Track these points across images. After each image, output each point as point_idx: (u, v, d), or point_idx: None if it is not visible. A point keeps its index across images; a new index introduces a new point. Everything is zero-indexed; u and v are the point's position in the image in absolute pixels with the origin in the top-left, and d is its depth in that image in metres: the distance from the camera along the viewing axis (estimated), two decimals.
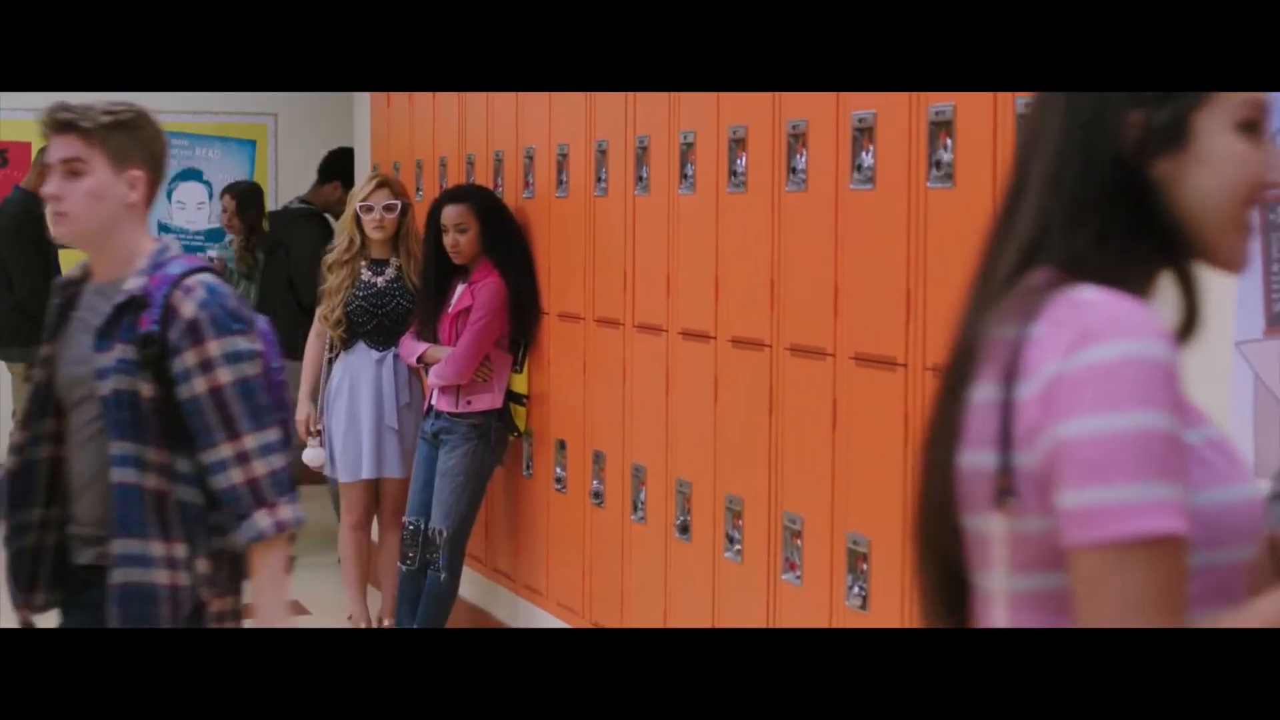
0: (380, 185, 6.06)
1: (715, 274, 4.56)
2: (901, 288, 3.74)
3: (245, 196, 8.66)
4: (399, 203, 6.07)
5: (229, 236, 8.78)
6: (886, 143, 3.83)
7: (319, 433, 6.14)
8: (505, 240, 5.74)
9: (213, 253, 9.30)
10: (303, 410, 6.17)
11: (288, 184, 10.02)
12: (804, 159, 4.13)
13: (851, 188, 3.94)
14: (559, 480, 5.63)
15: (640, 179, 5.00)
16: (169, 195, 10.12)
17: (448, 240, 5.71)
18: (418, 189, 6.92)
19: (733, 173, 4.47)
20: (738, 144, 4.44)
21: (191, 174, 10.21)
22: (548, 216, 5.68)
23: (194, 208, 10.23)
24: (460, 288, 5.79)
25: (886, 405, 3.80)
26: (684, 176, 4.73)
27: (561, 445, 5.60)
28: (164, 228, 10.06)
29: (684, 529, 4.75)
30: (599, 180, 5.28)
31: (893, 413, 3.77)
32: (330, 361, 6.16)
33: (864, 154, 3.91)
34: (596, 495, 5.33)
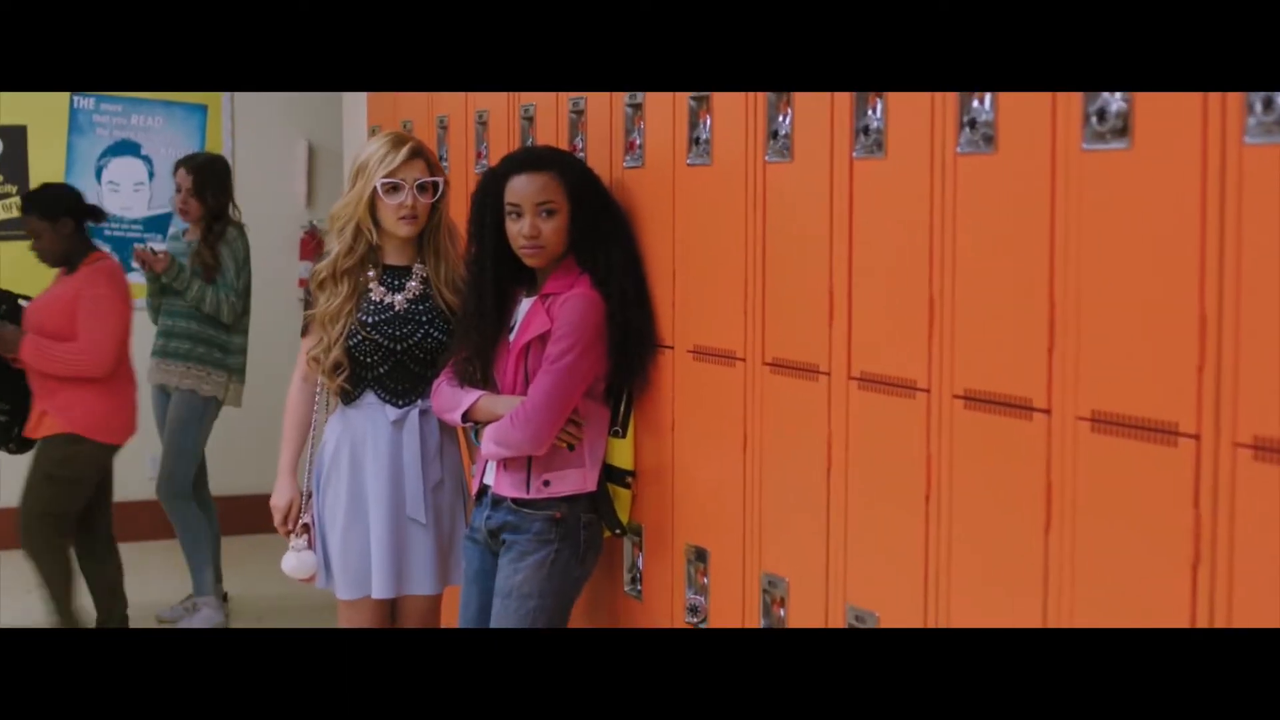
0: (415, 153, 3.98)
1: (1048, 298, 2.53)
2: None
3: (205, 172, 6.54)
4: (439, 180, 4.02)
5: (180, 225, 6.67)
6: None
7: (306, 528, 4.08)
8: (602, 230, 3.69)
9: (156, 245, 7.19)
10: (282, 493, 4.11)
11: (247, 159, 8.14)
12: None
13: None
14: (695, 610, 3.58)
15: (864, 132, 2.96)
16: (98, 174, 8.06)
17: (521, 229, 3.66)
18: (440, 160, 4.88)
19: (1098, 114, 2.43)
20: None
21: (127, 147, 8.21)
22: (670, 195, 3.63)
23: (130, 189, 8.18)
24: (526, 303, 3.75)
25: None
26: (968, 125, 2.70)
27: (699, 556, 3.57)
28: None
29: None
30: (774, 136, 3.24)
31: None
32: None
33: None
34: None
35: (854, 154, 2.98)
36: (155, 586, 7.10)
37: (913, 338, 2.83)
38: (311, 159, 8.36)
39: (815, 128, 3.09)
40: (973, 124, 2.68)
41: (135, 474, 7.88)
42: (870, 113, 2.94)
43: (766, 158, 3.25)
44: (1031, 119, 2.53)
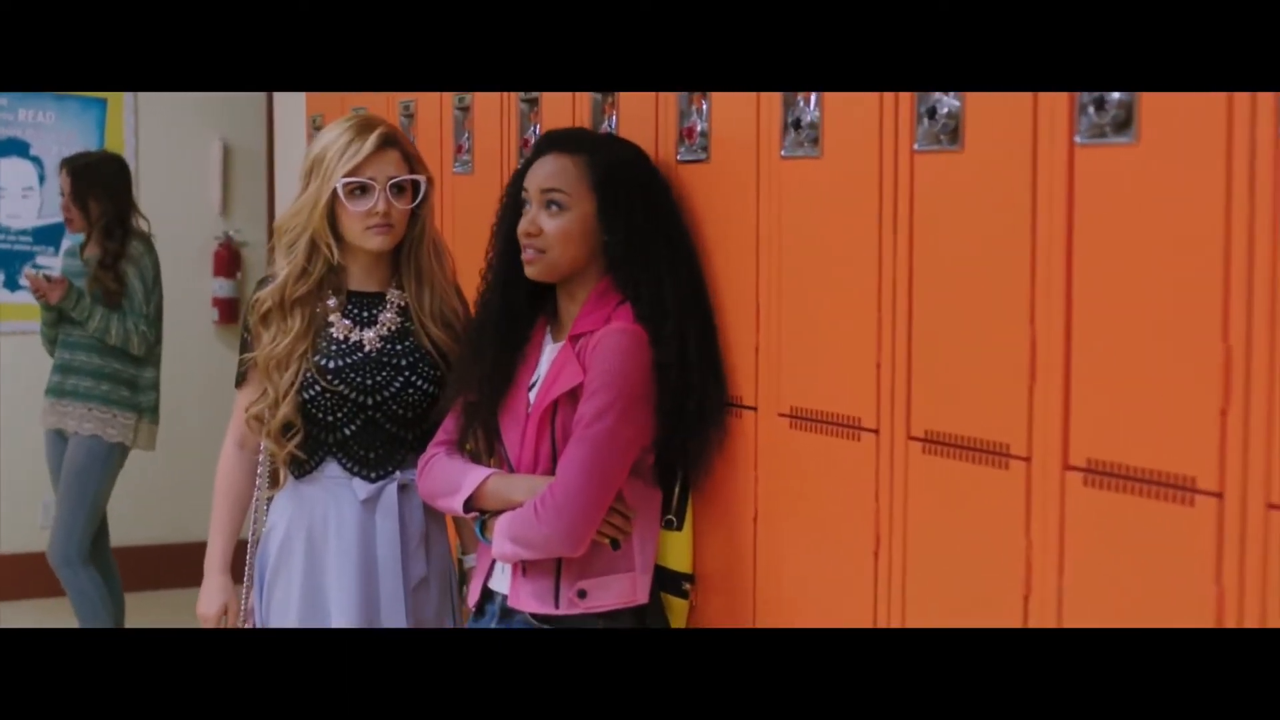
0: (387, 143, 3.01)
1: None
2: None
3: (88, 175, 5.57)
4: (420, 179, 3.04)
5: (77, 239, 5.70)
6: None
7: None
8: (649, 246, 2.74)
9: (50, 264, 6.26)
10: (213, 596, 3.14)
11: (153, 159, 7.51)
12: None
13: None
14: None
15: (1096, 108, 2.04)
16: None
17: (523, 227, 2.76)
18: None
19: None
20: None
21: (13, 146, 7.39)
22: (753, 199, 2.69)
23: (17, 195, 7.38)
24: (552, 348, 2.81)
25: None
26: None
27: None
28: None
29: None
30: (930, 117, 2.29)
31: None
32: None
33: None
34: None
35: (1075, 139, 2.06)
36: None
37: (1189, 415, 1.92)
38: (227, 160, 7.63)
39: (1001, 104, 2.17)
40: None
41: (26, 522, 7.27)
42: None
43: (916, 146, 2.33)
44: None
